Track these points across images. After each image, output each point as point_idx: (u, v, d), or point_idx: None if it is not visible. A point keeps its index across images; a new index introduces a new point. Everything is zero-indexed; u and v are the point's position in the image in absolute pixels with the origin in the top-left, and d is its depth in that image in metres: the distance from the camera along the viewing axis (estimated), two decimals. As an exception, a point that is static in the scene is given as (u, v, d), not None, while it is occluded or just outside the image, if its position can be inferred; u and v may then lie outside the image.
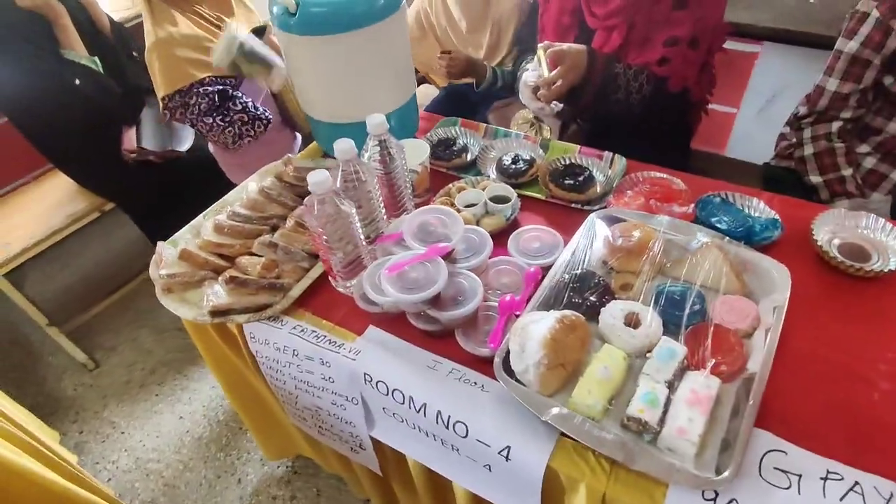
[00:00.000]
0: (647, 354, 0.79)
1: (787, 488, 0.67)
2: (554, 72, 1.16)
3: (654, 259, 0.91)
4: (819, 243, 0.92)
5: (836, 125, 1.28)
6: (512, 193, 1.06)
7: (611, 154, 1.18)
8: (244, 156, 1.54)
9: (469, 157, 1.22)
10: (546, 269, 0.93)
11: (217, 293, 0.96)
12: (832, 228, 0.96)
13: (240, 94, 1.45)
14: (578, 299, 0.88)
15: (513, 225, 1.05)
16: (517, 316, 0.86)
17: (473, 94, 1.85)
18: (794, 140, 1.38)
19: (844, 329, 0.84)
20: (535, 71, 1.24)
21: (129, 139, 1.73)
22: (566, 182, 1.10)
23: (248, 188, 1.16)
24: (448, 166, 1.21)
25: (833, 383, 0.78)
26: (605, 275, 0.93)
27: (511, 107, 1.63)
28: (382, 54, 1.09)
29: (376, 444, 1.00)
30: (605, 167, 1.14)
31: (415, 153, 1.09)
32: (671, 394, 0.75)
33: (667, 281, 0.90)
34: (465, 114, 1.79)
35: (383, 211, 1.00)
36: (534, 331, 0.80)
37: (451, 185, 1.13)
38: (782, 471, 0.69)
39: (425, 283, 0.81)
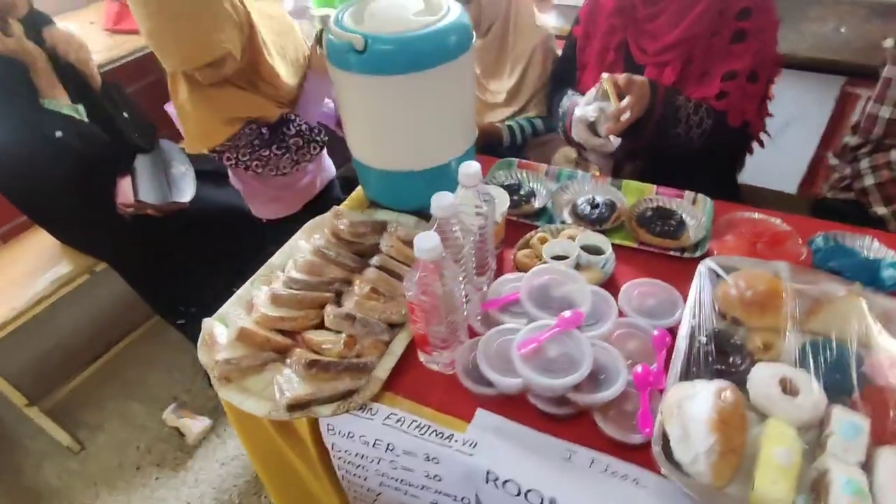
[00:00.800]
0: (826, 432, 0.69)
1: None
2: (623, 102, 1.08)
3: (792, 313, 0.82)
4: (959, 286, 0.85)
5: (895, 154, 1.25)
6: (606, 244, 0.96)
7: (693, 194, 1.10)
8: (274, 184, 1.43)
9: (538, 202, 1.12)
10: (671, 330, 0.83)
11: (289, 380, 0.81)
12: (960, 267, 0.90)
13: (292, 117, 1.35)
14: (722, 365, 0.77)
15: (610, 280, 0.94)
16: (660, 391, 0.75)
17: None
18: (849, 171, 1.34)
19: None
20: (590, 105, 1.15)
21: (125, 192, 1.54)
22: (658, 227, 1.01)
23: (299, 247, 1.01)
24: (517, 213, 1.10)
25: None
26: (736, 333, 0.83)
27: (549, 144, 1.54)
28: (449, 97, 0.98)
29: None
30: (690, 208, 1.06)
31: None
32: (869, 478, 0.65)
33: (807, 338, 0.81)
34: (499, 154, 1.71)
35: (474, 272, 0.88)
36: (693, 410, 0.68)
37: (529, 235, 1.02)
38: None
39: (565, 364, 0.69)
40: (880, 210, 1.24)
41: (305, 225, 1.10)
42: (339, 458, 0.87)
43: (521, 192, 1.13)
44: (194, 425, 1.81)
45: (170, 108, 1.72)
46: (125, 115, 1.60)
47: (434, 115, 0.98)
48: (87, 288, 1.74)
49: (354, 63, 0.90)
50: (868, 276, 0.89)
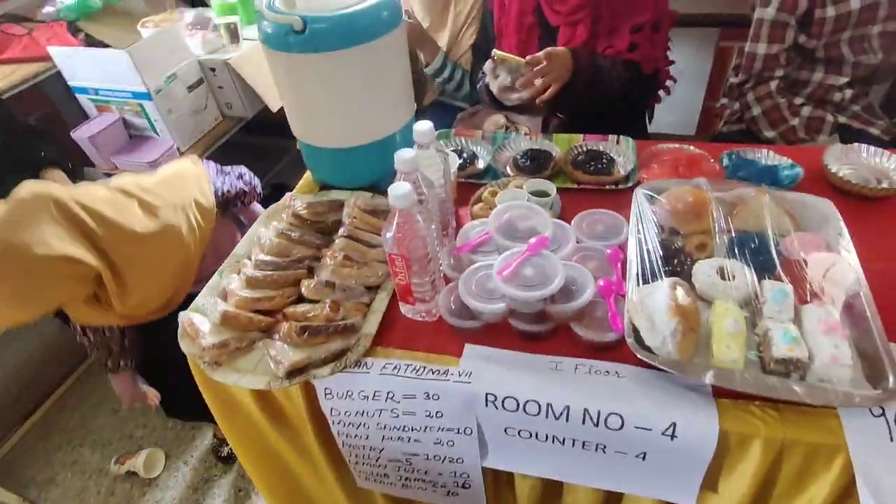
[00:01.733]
0: (761, 301, 0.81)
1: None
2: (539, 66, 1.19)
3: (717, 216, 0.94)
4: (841, 175, 1.01)
5: (773, 84, 1.45)
6: (550, 186, 1.05)
7: (615, 136, 1.22)
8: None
9: (481, 163, 1.20)
10: (621, 247, 0.93)
11: (282, 351, 0.83)
12: (839, 162, 1.07)
13: None
14: (668, 267, 0.88)
15: (559, 218, 1.03)
16: (622, 296, 0.84)
17: (427, 113, 1.83)
18: (738, 106, 1.53)
19: (888, 240, 0.93)
20: (498, 76, 1.26)
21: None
22: (591, 167, 1.12)
23: (260, 234, 1.03)
24: (464, 175, 1.17)
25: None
26: (675, 242, 0.94)
27: (477, 115, 1.63)
28: (386, 69, 1.03)
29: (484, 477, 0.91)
30: (615, 147, 1.18)
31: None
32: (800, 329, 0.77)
33: (733, 234, 0.94)
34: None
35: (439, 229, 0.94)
36: (654, 303, 0.78)
37: (480, 191, 1.10)
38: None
39: (541, 279, 0.76)
40: (769, 133, 1.43)
41: (261, 215, 1.11)
42: (339, 422, 0.90)
43: (465, 156, 1.20)
44: (138, 460, 1.74)
45: (76, 133, 1.65)
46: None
47: (375, 88, 1.03)
48: (6, 340, 1.62)
49: (294, 43, 0.93)
50: (770, 178, 1.04)
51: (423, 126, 0.87)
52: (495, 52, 1.26)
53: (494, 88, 1.29)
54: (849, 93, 1.41)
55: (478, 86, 1.51)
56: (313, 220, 1.05)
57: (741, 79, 1.48)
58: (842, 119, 1.43)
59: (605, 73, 1.28)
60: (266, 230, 1.04)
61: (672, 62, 1.41)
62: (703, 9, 1.77)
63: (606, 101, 1.32)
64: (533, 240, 0.81)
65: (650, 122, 1.60)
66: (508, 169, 1.17)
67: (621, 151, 1.16)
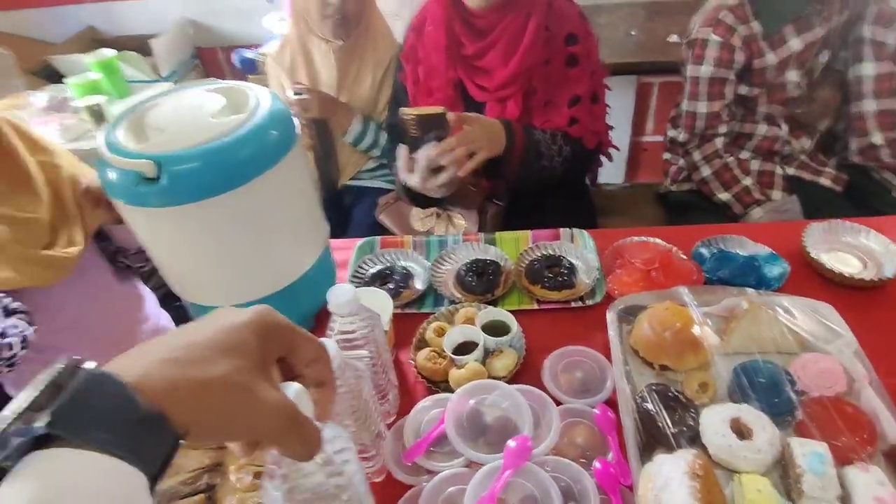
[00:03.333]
0: (797, 471, 0.65)
1: None
2: (458, 134, 1.00)
3: (711, 341, 0.78)
4: (830, 266, 0.89)
5: (719, 141, 1.35)
6: (510, 319, 0.86)
7: (568, 231, 1.05)
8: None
9: (418, 283, 0.98)
10: (609, 402, 0.75)
11: None
12: (820, 246, 0.95)
13: None
14: (674, 429, 0.70)
15: (525, 356, 0.84)
16: (628, 488, 0.65)
17: (347, 197, 1.60)
18: (684, 163, 1.42)
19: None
20: (422, 154, 1.06)
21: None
22: (550, 280, 0.93)
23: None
24: (400, 304, 0.95)
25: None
26: (670, 383, 0.77)
27: (401, 203, 1.42)
28: (285, 204, 0.80)
29: None
30: (571, 248, 1.01)
31: (374, 307, 0.82)
32: (850, 507, 0.61)
33: (733, 362, 0.78)
34: (340, 225, 1.55)
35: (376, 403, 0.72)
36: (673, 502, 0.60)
37: (422, 329, 0.88)
38: None
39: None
40: (723, 196, 1.33)
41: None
42: None
43: (396, 277, 0.98)
44: None
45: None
46: None
47: (272, 230, 0.79)
48: None
49: (148, 195, 0.69)
50: (755, 277, 0.90)
51: (342, 297, 0.65)
52: (402, 111, 1.05)
53: (416, 182, 1.09)
54: (793, 142, 1.33)
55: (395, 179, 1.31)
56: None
57: (684, 138, 1.37)
58: (790, 171, 1.35)
59: (541, 149, 1.12)
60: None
61: (611, 127, 1.27)
62: (624, 58, 1.67)
63: (548, 179, 1.16)
64: (513, 444, 0.60)
65: (593, 185, 1.46)
66: (453, 289, 0.97)
67: (578, 253, 0.99)
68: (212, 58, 2.28)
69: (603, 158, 1.32)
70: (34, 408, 0.26)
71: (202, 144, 0.69)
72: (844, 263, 0.93)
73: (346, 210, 1.58)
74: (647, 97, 2.24)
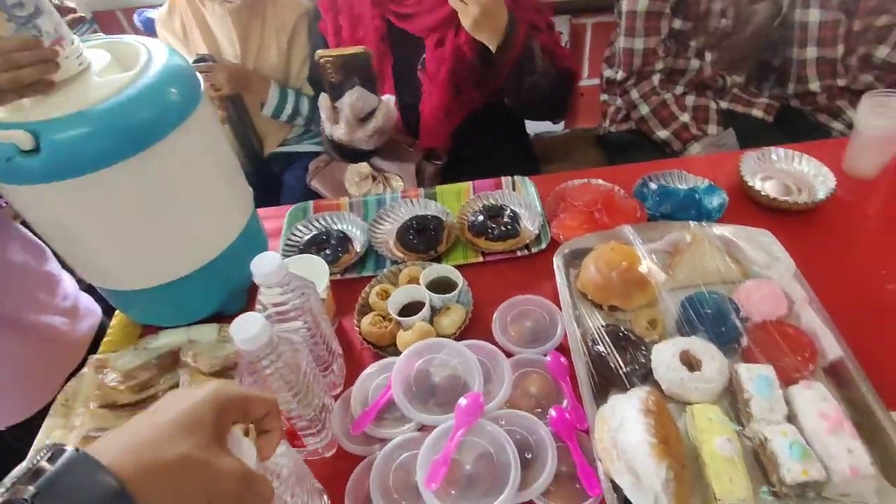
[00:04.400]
0: (745, 395, 0.65)
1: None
2: None
3: (657, 276, 0.78)
4: (764, 193, 0.90)
5: (655, 78, 1.33)
6: (455, 274, 0.82)
7: (509, 179, 1.02)
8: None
9: (357, 246, 0.93)
10: (560, 348, 0.73)
11: None
12: (756, 174, 0.95)
13: None
14: (626, 368, 0.69)
15: (474, 310, 0.81)
16: (585, 432, 0.64)
17: (275, 165, 1.50)
18: (621, 103, 1.40)
19: (833, 264, 0.83)
20: (344, 104, 0.98)
21: None
22: (494, 230, 0.90)
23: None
24: (339, 270, 0.90)
25: (879, 321, 0.75)
26: (619, 323, 0.76)
27: (334, 162, 1.34)
28: (197, 170, 0.72)
29: None
30: (513, 196, 0.98)
31: (309, 275, 0.76)
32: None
33: (679, 295, 0.78)
34: (271, 193, 1.46)
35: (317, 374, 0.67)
36: (632, 444, 0.59)
37: (365, 294, 0.84)
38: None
39: (485, 469, 0.53)
40: (662, 134, 1.32)
41: (52, 407, 0.75)
42: None
43: (333, 242, 0.93)
44: None
45: None
46: None
47: (184, 201, 0.72)
48: None
49: (28, 170, 0.59)
50: (696, 210, 0.89)
51: (266, 266, 0.59)
52: (318, 53, 0.96)
53: (342, 134, 1.01)
54: (725, 76, 1.33)
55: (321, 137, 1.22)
56: (136, 399, 0.72)
57: (621, 76, 1.34)
58: (724, 104, 1.35)
59: (536, 60, 1.03)
60: (67, 433, 0.70)
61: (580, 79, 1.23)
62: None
63: (536, 98, 1.09)
64: (464, 402, 0.57)
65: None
66: (394, 248, 0.92)
67: (521, 201, 0.96)
68: (110, 21, 2.07)
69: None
70: (23, 481, 0.31)
71: (87, 108, 0.61)
72: (780, 190, 0.94)
73: (275, 178, 1.49)
74: (581, 39, 2.20)
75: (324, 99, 1.00)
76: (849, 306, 0.73)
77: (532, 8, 1.10)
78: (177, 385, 0.74)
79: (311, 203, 1.03)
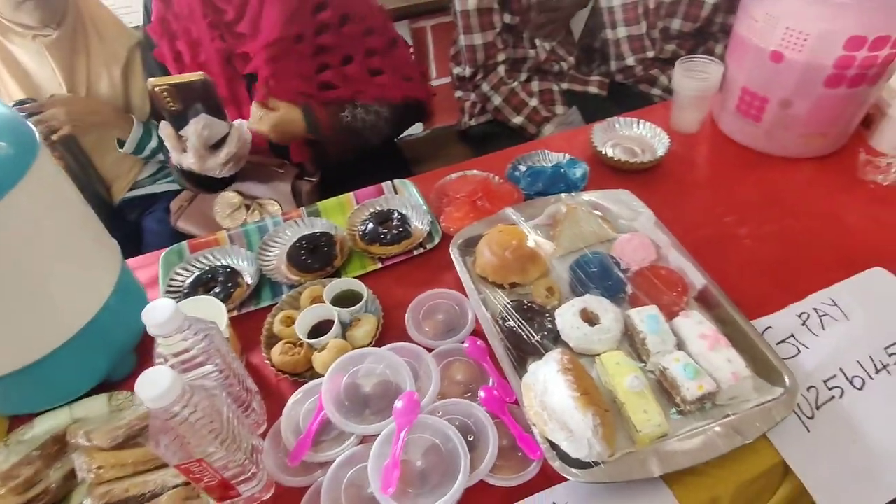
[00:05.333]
0: (640, 336, 0.73)
1: (809, 347, 0.74)
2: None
3: (545, 250, 0.84)
4: (612, 155, 1.01)
5: (501, 69, 1.42)
6: (357, 284, 0.82)
7: (388, 184, 1.03)
8: None
9: (249, 278, 0.88)
10: (475, 333, 0.76)
11: None
12: (605, 143, 1.07)
13: None
14: (538, 337, 0.74)
15: (386, 316, 0.81)
16: (515, 404, 0.68)
17: (129, 212, 1.37)
18: (476, 97, 1.49)
19: (682, 208, 0.95)
20: (191, 132, 0.94)
21: None
22: (388, 235, 0.91)
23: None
24: (234, 306, 0.85)
25: (725, 248, 0.88)
26: (521, 297, 0.81)
27: (198, 198, 1.24)
28: (51, 224, 0.64)
29: None
30: (397, 199, 0.99)
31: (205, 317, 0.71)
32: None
33: (566, 262, 0.85)
34: (130, 243, 1.33)
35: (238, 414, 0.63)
36: (558, 403, 0.64)
37: (269, 324, 0.80)
38: (793, 342, 0.75)
39: (436, 461, 0.55)
40: (517, 120, 1.41)
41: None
42: None
43: (220, 279, 0.87)
44: None
45: None
46: None
47: (41, 261, 0.63)
48: None
49: None
50: (564, 183, 0.98)
51: (159, 315, 0.54)
52: (151, 82, 0.90)
53: (192, 162, 0.96)
54: (559, 60, 1.47)
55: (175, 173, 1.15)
56: (26, 501, 0.62)
57: (470, 72, 1.42)
58: (564, 86, 1.48)
59: (355, 124, 1.07)
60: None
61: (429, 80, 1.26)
62: (396, 3, 1.66)
63: (379, 141, 1.11)
64: (399, 403, 0.58)
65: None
66: (288, 273, 0.89)
67: (406, 202, 0.98)
68: None
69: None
70: None
71: None
72: (627, 153, 1.06)
73: (132, 225, 1.35)
74: (424, 41, 2.27)
75: (165, 127, 0.94)
76: (700, 241, 0.86)
77: (361, 35, 1.12)
78: (72, 472, 0.65)
79: (185, 244, 0.96)
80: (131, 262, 0.89)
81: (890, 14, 0.85)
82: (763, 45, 0.96)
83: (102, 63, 1.21)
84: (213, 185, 1.11)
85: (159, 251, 0.95)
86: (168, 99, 0.90)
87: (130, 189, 1.36)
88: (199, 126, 0.92)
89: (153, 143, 1.28)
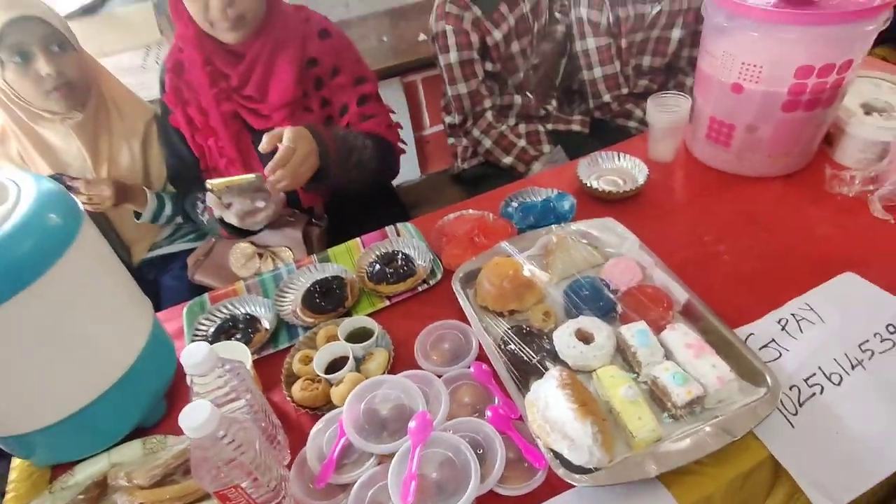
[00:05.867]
0: (631, 350, 0.79)
1: (789, 350, 0.79)
2: (283, 148, 0.98)
3: (540, 279, 0.91)
4: (598, 188, 1.09)
5: (489, 115, 1.53)
6: (368, 322, 0.88)
7: (392, 227, 1.11)
8: None
9: (267, 324, 0.95)
10: (480, 359, 0.82)
11: None
12: (590, 176, 1.15)
13: None
14: (538, 358, 0.80)
15: (396, 350, 0.88)
16: (519, 419, 0.73)
17: (148, 272, 1.45)
18: (468, 142, 1.59)
19: (663, 231, 1.03)
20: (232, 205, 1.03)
21: None
22: (392, 275, 0.98)
23: None
24: (255, 350, 0.91)
25: (706, 265, 0.95)
26: (522, 323, 0.88)
27: (214, 250, 1.32)
28: (95, 288, 0.72)
29: None
30: (400, 240, 1.07)
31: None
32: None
33: (560, 287, 0.92)
34: (151, 298, 1.41)
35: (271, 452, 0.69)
36: (558, 415, 0.69)
37: (288, 364, 0.86)
38: (774, 346, 0.81)
39: (450, 472, 0.60)
40: (507, 160, 1.52)
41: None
42: None
43: (241, 326, 0.94)
44: None
45: None
46: None
47: (86, 319, 0.70)
48: None
49: None
50: (554, 216, 1.05)
51: (198, 355, 0.61)
52: (209, 183, 1.00)
53: (233, 220, 1.05)
54: (544, 104, 1.58)
55: (204, 220, 1.23)
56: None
57: (460, 119, 1.53)
58: (549, 127, 1.59)
59: (350, 142, 1.13)
60: None
61: (400, 126, 1.36)
62: (385, 63, 1.79)
63: (365, 178, 1.19)
64: (413, 423, 0.64)
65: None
66: (303, 315, 0.96)
67: (408, 243, 1.06)
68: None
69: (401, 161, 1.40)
70: None
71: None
72: (610, 184, 1.14)
73: (151, 284, 1.43)
74: (415, 94, 2.42)
75: (211, 197, 1.02)
76: (683, 260, 0.93)
77: (352, 85, 1.22)
78: (113, 515, 0.70)
79: (206, 296, 1.03)
80: (159, 315, 0.96)
81: (829, 45, 0.95)
82: (724, 79, 1.05)
83: (123, 138, 1.32)
84: (244, 233, 1.19)
85: (180, 305, 1.03)
86: (223, 195, 1.01)
87: (149, 250, 1.44)
88: (245, 207, 1.01)
89: (168, 211, 1.36)
